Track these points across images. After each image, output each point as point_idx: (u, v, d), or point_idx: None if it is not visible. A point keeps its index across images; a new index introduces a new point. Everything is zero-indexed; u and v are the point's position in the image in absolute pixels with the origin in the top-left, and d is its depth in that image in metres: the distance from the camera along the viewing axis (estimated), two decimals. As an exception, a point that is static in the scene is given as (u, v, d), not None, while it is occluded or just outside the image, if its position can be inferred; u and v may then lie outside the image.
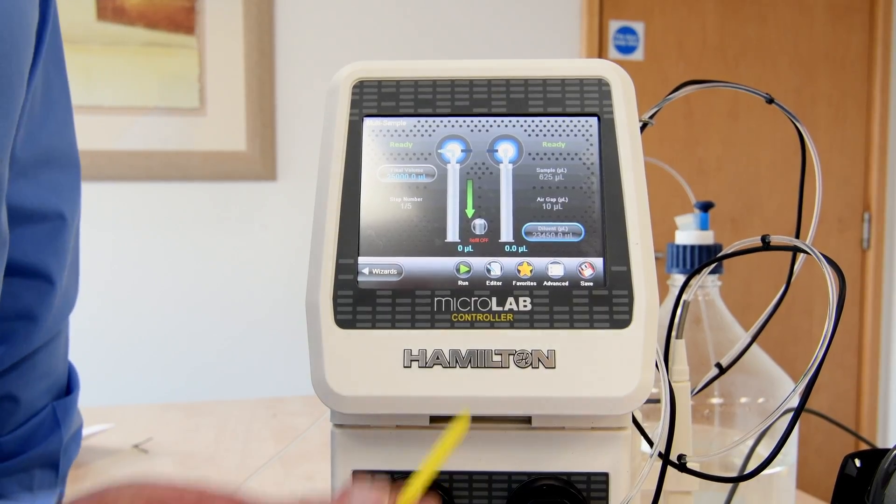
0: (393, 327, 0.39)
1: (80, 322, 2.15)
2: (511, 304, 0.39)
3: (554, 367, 0.38)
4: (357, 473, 0.40)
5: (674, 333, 0.48)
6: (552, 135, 0.43)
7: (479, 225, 0.41)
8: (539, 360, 0.38)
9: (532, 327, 0.39)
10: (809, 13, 2.54)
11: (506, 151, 0.43)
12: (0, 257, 0.45)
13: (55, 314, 0.54)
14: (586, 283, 0.40)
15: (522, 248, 0.41)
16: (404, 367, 0.38)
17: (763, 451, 0.60)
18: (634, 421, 0.44)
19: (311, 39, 2.22)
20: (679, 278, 0.67)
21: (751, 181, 2.51)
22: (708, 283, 0.69)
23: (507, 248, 0.41)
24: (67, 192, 0.53)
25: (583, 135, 0.43)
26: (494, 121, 0.43)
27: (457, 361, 0.38)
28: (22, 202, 0.49)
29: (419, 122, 0.43)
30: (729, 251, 0.48)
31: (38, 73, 0.47)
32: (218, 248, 2.20)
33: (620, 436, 0.41)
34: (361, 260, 0.40)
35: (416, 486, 0.32)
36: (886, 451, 0.44)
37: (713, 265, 0.56)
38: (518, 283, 0.40)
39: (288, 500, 0.31)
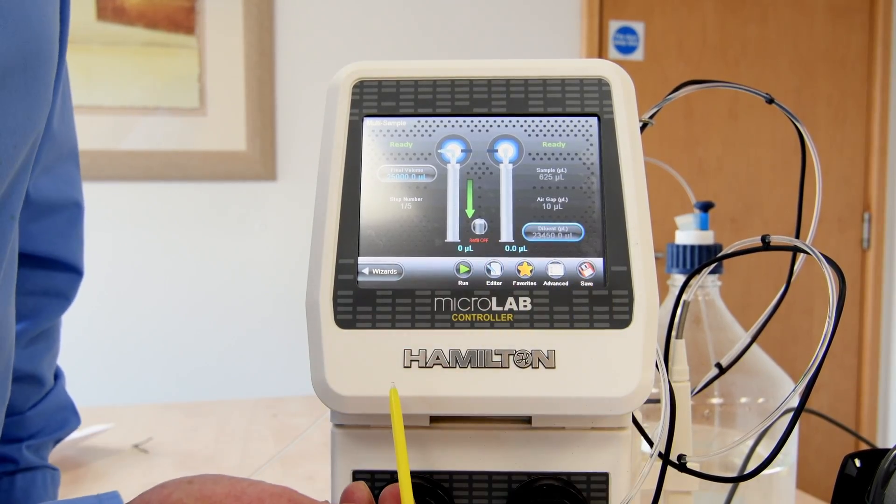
0: (393, 327, 0.39)
1: (80, 322, 2.14)
2: (511, 304, 0.39)
3: (554, 367, 0.38)
4: (357, 473, 0.40)
5: (674, 333, 0.48)
6: (552, 135, 0.43)
7: (479, 225, 0.41)
8: (539, 360, 0.38)
9: (532, 327, 0.39)
10: (809, 13, 2.54)
11: (506, 151, 0.43)
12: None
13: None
14: (586, 283, 0.40)
15: (522, 248, 0.41)
16: (404, 367, 0.38)
17: (763, 451, 0.60)
18: (634, 421, 0.44)
19: (311, 39, 2.22)
20: (679, 278, 0.67)
21: (751, 181, 2.51)
22: (708, 283, 0.69)
23: (507, 248, 0.41)
24: (77, 181, 0.57)
25: (583, 135, 0.43)
26: (494, 121, 0.43)
27: (457, 361, 0.38)
28: (47, 196, 0.53)
29: (419, 122, 0.43)
30: (729, 251, 0.48)
31: (63, 74, 0.50)
32: (218, 248, 2.20)
33: (620, 436, 0.41)
34: (361, 260, 0.40)
35: (407, 482, 0.35)
36: (886, 451, 0.44)
37: (713, 265, 0.56)
38: (518, 284, 0.40)
39: None
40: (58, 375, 0.61)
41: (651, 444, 0.46)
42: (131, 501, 0.32)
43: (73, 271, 0.57)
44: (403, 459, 0.36)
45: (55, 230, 0.54)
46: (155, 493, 0.32)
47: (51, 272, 0.55)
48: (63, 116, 0.53)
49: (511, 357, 0.38)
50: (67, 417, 0.61)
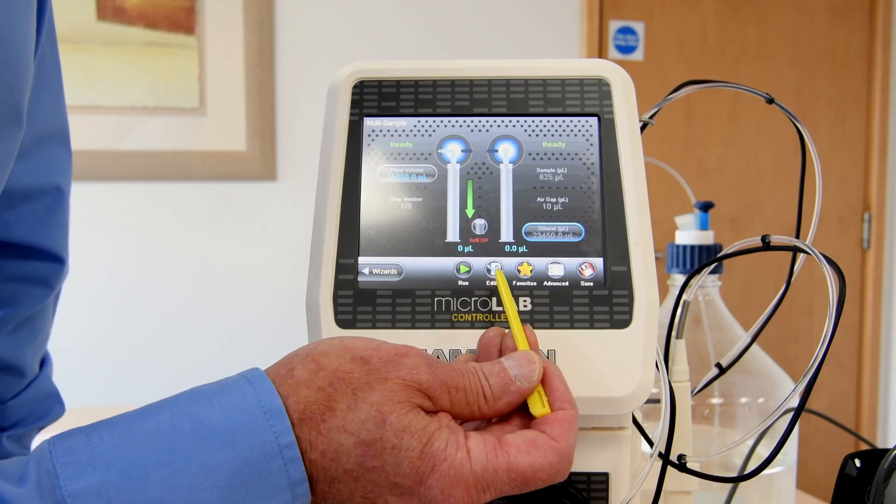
0: (393, 327, 0.39)
1: (80, 322, 2.13)
2: (511, 304, 0.39)
3: (554, 367, 0.38)
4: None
5: (674, 333, 0.48)
6: (552, 135, 0.43)
7: (480, 225, 0.41)
8: (539, 360, 0.38)
9: (532, 327, 0.39)
10: (809, 13, 2.54)
11: (506, 151, 0.43)
12: None
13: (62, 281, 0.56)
14: (586, 283, 0.40)
15: (523, 248, 0.41)
16: (404, 367, 0.38)
17: (763, 451, 0.60)
18: (634, 421, 0.44)
19: (311, 39, 2.22)
20: (679, 278, 0.67)
21: (751, 181, 2.51)
22: (708, 283, 0.69)
23: (507, 248, 0.41)
24: (61, 165, 0.54)
25: (583, 135, 0.43)
26: (494, 121, 0.43)
27: (457, 361, 0.38)
28: (22, 182, 0.50)
29: (419, 122, 0.43)
30: (729, 251, 0.48)
31: (35, 61, 0.48)
32: (218, 249, 2.20)
33: (620, 436, 0.41)
34: (361, 260, 0.40)
35: (519, 331, 0.37)
36: (886, 451, 0.44)
37: (713, 265, 0.56)
38: (518, 284, 0.40)
39: (468, 364, 0.35)
40: (44, 363, 0.59)
41: (651, 444, 0.46)
42: (277, 362, 0.36)
43: (55, 259, 0.54)
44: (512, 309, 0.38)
45: (32, 217, 0.51)
46: (304, 348, 0.36)
47: (29, 260, 0.52)
48: (40, 100, 0.50)
49: (511, 357, 0.38)
50: (51, 406, 0.58)
